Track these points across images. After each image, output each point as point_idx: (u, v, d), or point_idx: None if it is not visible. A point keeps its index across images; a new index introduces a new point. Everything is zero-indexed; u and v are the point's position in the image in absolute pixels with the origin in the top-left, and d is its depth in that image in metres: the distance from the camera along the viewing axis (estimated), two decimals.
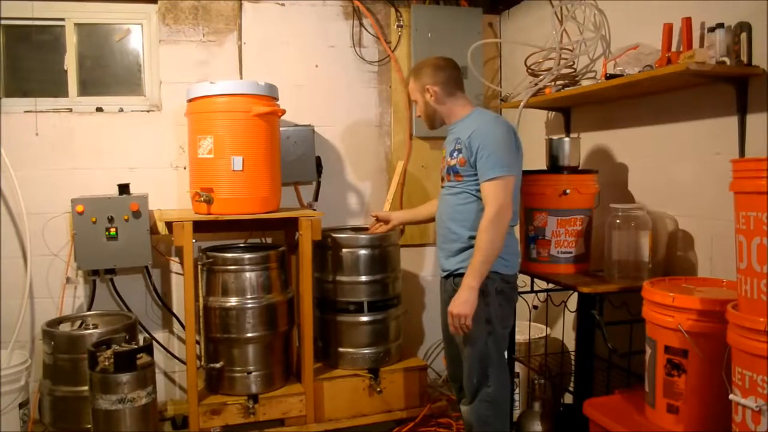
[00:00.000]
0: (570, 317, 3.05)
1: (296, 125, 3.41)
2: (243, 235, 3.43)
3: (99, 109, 3.30)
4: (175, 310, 3.36)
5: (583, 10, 2.76)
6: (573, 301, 2.76)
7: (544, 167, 2.81)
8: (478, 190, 2.29)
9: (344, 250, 3.14)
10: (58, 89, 3.29)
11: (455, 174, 2.36)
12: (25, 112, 3.17)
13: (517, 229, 2.47)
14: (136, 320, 3.03)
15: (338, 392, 3.07)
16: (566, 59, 2.77)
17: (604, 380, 2.60)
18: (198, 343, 3.00)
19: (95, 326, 2.96)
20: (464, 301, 2.19)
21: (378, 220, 2.90)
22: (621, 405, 2.22)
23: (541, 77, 2.81)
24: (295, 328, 3.20)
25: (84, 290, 3.26)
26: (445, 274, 2.43)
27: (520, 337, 2.99)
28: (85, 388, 2.53)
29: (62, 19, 3.28)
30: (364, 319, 3.13)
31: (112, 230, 2.96)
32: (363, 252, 3.13)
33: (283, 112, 2.97)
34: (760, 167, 1.59)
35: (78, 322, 3.02)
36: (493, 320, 2.29)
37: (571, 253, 2.65)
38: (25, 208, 3.05)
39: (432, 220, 2.81)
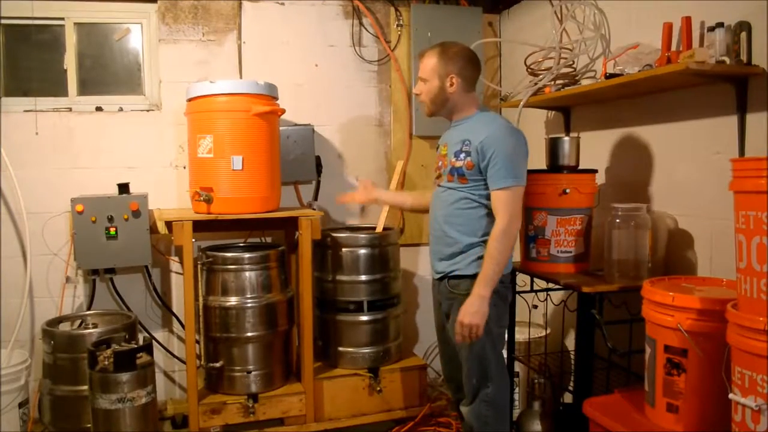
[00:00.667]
0: (570, 316, 3.04)
1: (296, 124, 3.41)
2: (243, 235, 3.43)
3: (99, 109, 3.30)
4: (174, 310, 3.36)
5: (582, 9, 2.76)
6: (573, 301, 2.76)
7: (544, 167, 2.81)
8: (482, 196, 2.27)
9: (344, 249, 3.14)
10: (58, 89, 3.29)
11: (459, 176, 2.30)
12: (25, 111, 3.17)
13: None
14: (136, 320, 3.02)
15: (338, 391, 3.07)
16: (566, 59, 2.77)
17: (604, 380, 2.60)
18: (198, 342, 3.00)
19: (95, 326, 2.96)
20: (476, 311, 2.17)
21: (364, 188, 2.77)
22: (621, 404, 2.22)
23: (541, 76, 2.81)
24: (295, 328, 3.20)
25: (84, 290, 3.26)
26: (439, 276, 2.41)
27: (520, 336, 2.99)
28: (85, 387, 2.53)
29: (62, 19, 3.28)
30: (364, 318, 3.13)
31: (112, 230, 2.96)
32: (363, 251, 3.13)
33: (283, 111, 2.97)
34: (760, 166, 1.59)
35: (78, 322, 3.03)
36: (489, 321, 2.27)
37: (570, 252, 2.65)
38: (25, 208, 3.05)
39: (418, 211, 2.80)
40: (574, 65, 2.79)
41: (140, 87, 3.42)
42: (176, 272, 3.37)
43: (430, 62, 2.33)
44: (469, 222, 2.30)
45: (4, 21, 3.19)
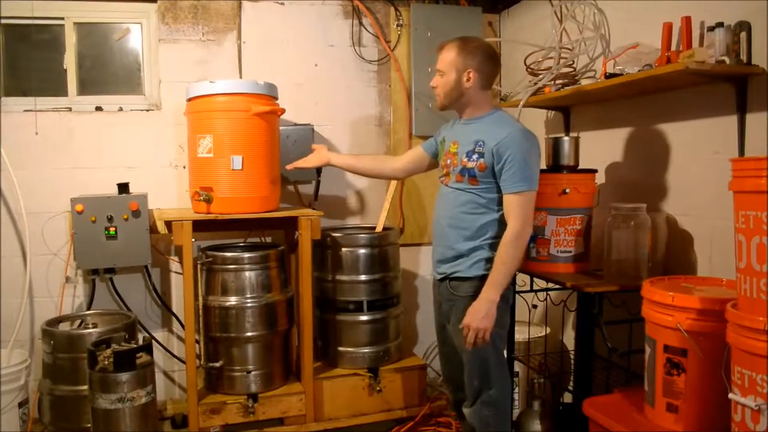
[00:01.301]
0: (570, 316, 3.05)
1: (296, 124, 3.40)
2: (242, 235, 3.43)
3: (98, 109, 3.30)
4: (174, 310, 3.36)
5: (582, 9, 2.76)
6: (573, 300, 2.76)
7: (544, 166, 2.80)
8: (491, 200, 2.25)
9: (344, 249, 3.14)
10: (58, 88, 3.29)
11: (471, 177, 2.27)
12: (25, 111, 3.17)
13: None
14: (136, 319, 3.02)
15: (338, 391, 3.07)
16: (566, 58, 2.77)
17: (604, 379, 2.60)
18: (197, 342, 3.00)
19: (95, 325, 2.96)
20: (485, 316, 2.16)
21: (318, 152, 2.78)
22: (620, 404, 2.22)
23: (541, 76, 2.81)
24: (295, 328, 3.20)
25: (83, 289, 3.25)
26: (440, 277, 2.40)
27: (520, 336, 2.98)
28: (85, 387, 2.53)
29: (62, 19, 3.27)
30: (364, 318, 3.13)
31: (112, 229, 2.96)
32: (362, 251, 3.13)
33: (283, 111, 2.97)
34: (760, 166, 1.59)
35: (77, 322, 3.02)
36: None
37: (570, 252, 2.65)
38: (25, 208, 3.05)
39: (373, 176, 2.84)
40: (574, 65, 2.79)
41: (140, 87, 3.41)
42: (176, 272, 3.37)
43: (449, 55, 2.29)
44: (473, 226, 2.28)
45: (4, 21, 3.19)
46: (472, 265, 2.28)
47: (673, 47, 2.33)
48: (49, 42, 3.30)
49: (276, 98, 3.01)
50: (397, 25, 3.62)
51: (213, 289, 2.95)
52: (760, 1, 2.07)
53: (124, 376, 2.39)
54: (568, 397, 2.88)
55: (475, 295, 2.24)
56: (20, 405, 2.87)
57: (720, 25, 2.12)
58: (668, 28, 2.32)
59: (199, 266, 2.94)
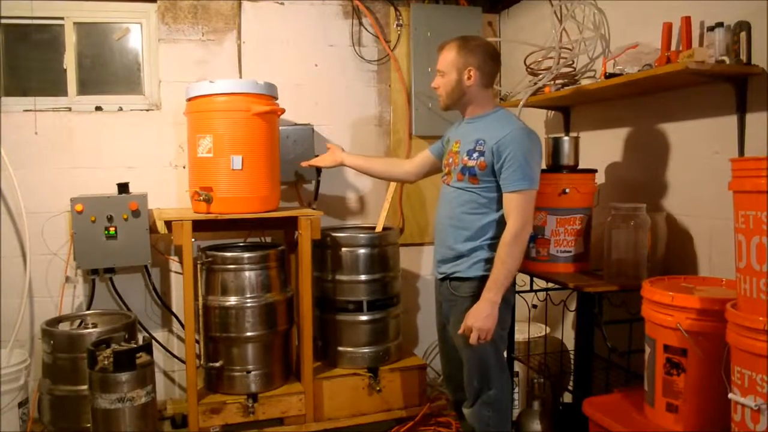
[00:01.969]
0: (569, 316, 3.05)
1: (296, 124, 3.40)
2: (242, 234, 3.43)
3: (98, 108, 3.30)
4: (174, 310, 3.36)
5: (582, 9, 2.76)
6: (572, 300, 2.76)
7: (544, 166, 2.80)
8: (492, 199, 2.25)
9: (344, 249, 3.14)
10: (58, 88, 3.29)
11: (471, 176, 2.26)
12: (25, 111, 3.17)
13: None
14: (136, 319, 3.03)
15: (338, 391, 3.07)
16: (565, 58, 2.77)
17: (604, 379, 2.60)
18: (197, 342, 3.00)
19: (94, 325, 2.96)
20: (487, 316, 2.16)
21: (331, 152, 2.85)
22: (620, 404, 2.22)
23: (541, 76, 2.81)
24: (295, 327, 3.20)
25: (83, 289, 3.25)
26: (441, 276, 2.40)
27: (520, 336, 2.99)
28: (85, 387, 2.53)
29: (61, 18, 3.27)
30: (364, 318, 3.13)
31: (112, 229, 2.97)
32: (362, 251, 3.13)
33: (283, 111, 2.97)
34: (760, 166, 1.59)
35: (77, 322, 3.02)
36: None
37: (570, 252, 2.65)
38: (25, 207, 3.05)
39: (385, 179, 2.83)
40: (574, 65, 2.79)
41: (140, 87, 3.42)
42: (176, 272, 3.37)
43: (449, 55, 2.29)
44: (474, 226, 2.27)
45: (4, 21, 3.19)
46: (472, 266, 2.28)
47: (673, 47, 2.33)
48: (49, 42, 3.30)
49: (276, 98, 3.01)
50: (397, 25, 3.62)
51: (213, 289, 2.95)
52: (760, 1, 2.07)
53: (124, 376, 2.39)
54: (568, 397, 2.88)
55: (475, 295, 2.24)
56: (20, 405, 2.87)
57: (720, 25, 2.12)
58: (668, 28, 2.32)
59: (199, 266, 2.94)
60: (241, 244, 3.27)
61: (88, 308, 3.18)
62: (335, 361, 3.17)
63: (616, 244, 2.44)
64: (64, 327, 2.96)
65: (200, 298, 2.95)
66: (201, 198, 2.81)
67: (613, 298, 2.45)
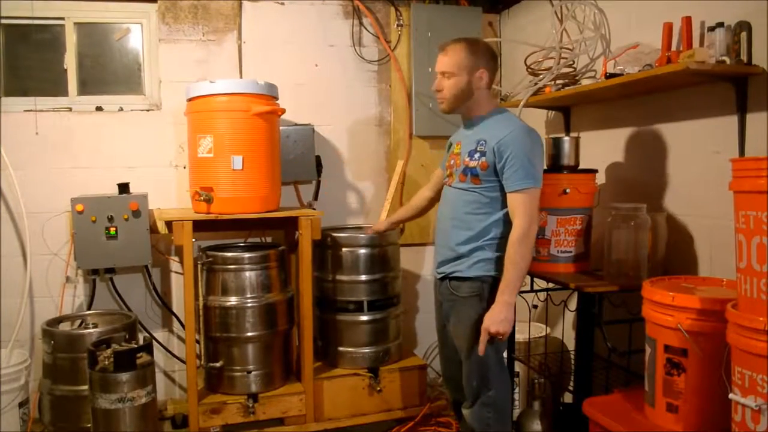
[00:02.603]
0: (570, 316, 3.05)
1: (296, 124, 3.41)
2: (243, 235, 3.43)
3: (99, 109, 3.30)
4: (174, 310, 3.36)
5: (582, 9, 2.76)
6: (573, 300, 2.76)
7: (544, 166, 2.80)
8: (494, 199, 2.25)
9: (344, 249, 3.14)
10: (58, 88, 3.29)
11: (473, 176, 2.26)
12: (25, 111, 3.17)
13: None
14: (136, 319, 3.02)
15: (338, 391, 3.07)
16: (566, 58, 2.77)
17: (604, 379, 2.60)
18: (198, 342, 3.00)
19: (95, 325, 2.96)
20: (503, 319, 2.14)
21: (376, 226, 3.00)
22: (620, 404, 2.22)
23: (541, 76, 2.81)
24: (295, 328, 3.20)
25: (84, 289, 3.25)
26: (441, 276, 2.40)
27: (520, 336, 2.99)
28: (85, 387, 2.53)
29: (62, 18, 3.27)
30: (364, 318, 3.13)
31: (112, 229, 2.96)
32: (363, 251, 3.13)
33: (283, 111, 2.97)
34: (760, 166, 1.59)
35: (78, 322, 3.03)
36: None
37: (570, 252, 2.65)
38: (25, 208, 3.05)
39: (420, 215, 2.82)
40: (574, 65, 2.79)
41: (140, 87, 3.42)
42: (176, 272, 3.37)
43: (458, 56, 2.27)
44: (477, 227, 2.27)
45: (4, 21, 3.19)
46: (472, 266, 2.28)
47: (674, 47, 2.33)
48: (49, 42, 3.30)
49: (276, 98, 3.01)
50: (398, 25, 3.62)
51: (213, 289, 2.95)
52: (760, 1, 2.07)
53: (124, 376, 2.39)
54: (568, 397, 2.88)
55: (474, 295, 2.25)
56: (20, 405, 2.88)
57: (720, 25, 2.12)
58: (668, 28, 2.32)
59: (199, 266, 2.94)
60: (242, 244, 3.27)
61: (89, 308, 3.18)
62: (335, 361, 3.17)
63: (617, 244, 2.45)
64: (64, 327, 2.97)
65: (201, 298, 2.95)
66: (201, 198, 2.81)
67: (614, 298, 2.45)
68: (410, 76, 3.62)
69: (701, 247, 2.39)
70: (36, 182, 3.15)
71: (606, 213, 2.55)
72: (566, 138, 2.76)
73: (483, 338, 2.17)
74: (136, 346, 2.50)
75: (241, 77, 3.41)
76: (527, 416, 2.79)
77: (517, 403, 3.03)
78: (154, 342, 3.12)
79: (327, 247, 3.16)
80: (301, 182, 3.52)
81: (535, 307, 3.07)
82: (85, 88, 3.33)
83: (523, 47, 3.11)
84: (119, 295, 3.23)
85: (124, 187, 3.06)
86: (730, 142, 2.21)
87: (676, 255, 2.48)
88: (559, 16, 2.95)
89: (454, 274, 2.32)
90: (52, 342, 2.79)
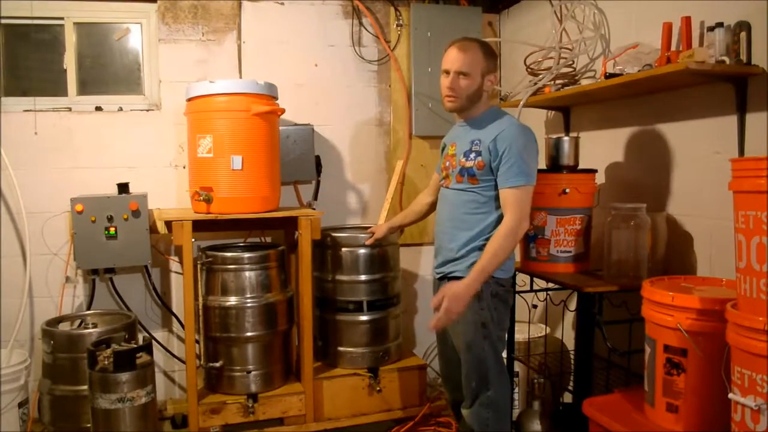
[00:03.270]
0: (569, 316, 3.05)
1: (296, 124, 3.41)
2: (242, 235, 3.43)
3: (98, 108, 3.30)
4: (174, 310, 3.36)
5: (582, 9, 2.76)
6: (572, 300, 2.76)
7: (544, 166, 2.81)
8: (492, 197, 2.25)
9: (344, 249, 3.14)
10: (58, 88, 3.29)
11: (470, 177, 2.27)
12: (24, 111, 3.17)
13: None
14: (136, 319, 3.02)
15: (338, 391, 3.07)
16: (566, 58, 2.77)
17: (604, 379, 2.60)
18: (197, 342, 3.00)
19: (95, 325, 2.96)
20: (459, 298, 2.12)
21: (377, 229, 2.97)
22: (620, 404, 2.22)
23: (541, 76, 2.81)
24: (295, 328, 3.20)
25: (83, 289, 3.25)
26: (440, 276, 2.41)
27: (520, 336, 2.99)
28: (85, 387, 2.53)
29: (61, 18, 3.27)
30: (364, 318, 3.13)
31: (112, 229, 2.97)
32: (362, 251, 3.13)
33: (283, 111, 2.97)
34: (760, 166, 1.59)
35: (77, 322, 3.02)
36: (488, 324, 2.27)
37: (570, 252, 2.65)
38: (25, 208, 3.05)
39: (421, 218, 2.80)
40: (574, 65, 2.79)
41: (140, 87, 3.42)
42: (176, 272, 3.37)
43: (476, 57, 2.25)
44: (477, 226, 2.27)
45: (3, 21, 3.19)
46: (470, 266, 2.27)
47: (673, 47, 2.33)
48: (49, 42, 3.30)
49: (276, 98, 3.01)
50: (397, 25, 3.62)
51: (213, 289, 2.95)
52: (760, 1, 2.07)
53: (124, 376, 2.39)
54: (568, 397, 2.88)
55: (474, 296, 2.24)
56: (20, 405, 2.88)
57: (720, 25, 2.12)
58: (668, 28, 2.32)
59: (199, 266, 2.94)
60: (241, 244, 3.27)
61: (88, 308, 3.18)
62: (335, 361, 3.17)
63: (617, 244, 2.45)
64: (64, 327, 2.96)
65: (200, 298, 2.95)
66: (201, 198, 2.81)
67: (613, 298, 2.45)
68: (410, 76, 3.62)
69: (701, 247, 2.39)
70: (36, 182, 3.15)
71: (606, 213, 2.55)
72: (566, 138, 2.76)
73: (434, 302, 2.15)
74: (135, 346, 2.51)
75: (240, 77, 3.41)
76: (527, 416, 2.79)
77: (516, 403, 3.03)
78: (154, 342, 3.13)
79: (327, 247, 3.16)
80: (301, 182, 3.52)
81: (535, 307, 3.07)
82: (84, 88, 3.34)
83: (522, 47, 3.11)
84: (119, 295, 3.23)
85: (123, 187, 3.06)
86: (729, 142, 2.21)
87: (676, 255, 2.48)
88: (559, 16, 2.95)
89: (453, 274, 2.32)
90: (52, 342, 2.79)
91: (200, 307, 2.95)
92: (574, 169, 2.74)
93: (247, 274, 2.94)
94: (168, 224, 2.83)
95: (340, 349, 3.16)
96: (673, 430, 1.98)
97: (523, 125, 2.29)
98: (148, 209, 3.05)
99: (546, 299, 2.98)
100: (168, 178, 3.36)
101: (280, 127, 3.12)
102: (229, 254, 2.98)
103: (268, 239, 3.51)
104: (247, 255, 2.96)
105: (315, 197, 3.50)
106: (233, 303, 2.92)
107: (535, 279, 2.78)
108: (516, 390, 3.01)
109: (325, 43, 3.55)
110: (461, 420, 2.44)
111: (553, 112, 3.29)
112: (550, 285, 2.74)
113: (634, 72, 2.32)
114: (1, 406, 2.77)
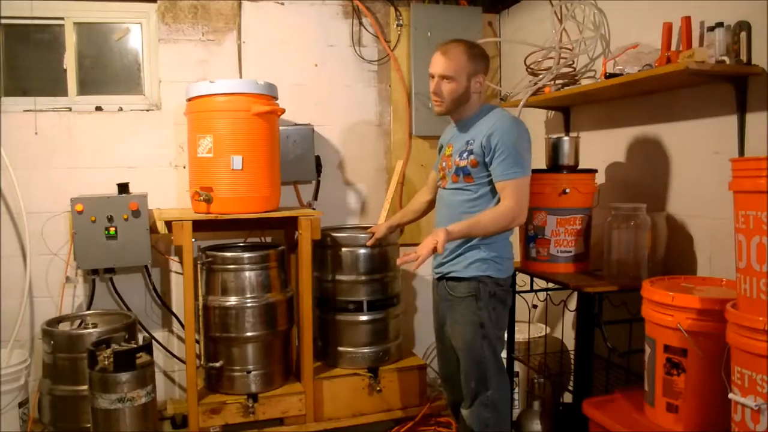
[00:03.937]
0: (569, 316, 3.05)
1: (296, 124, 3.41)
2: (242, 235, 3.43)
3: (98, 108, 3.30)
4: (174, 310, 3.36)
5: (582, 9, 2.76)
6: (572, 300, 2.76)
7: (544, 166, 2.81)
8: (488, 194, 2.26)
9: (344, 249, 3.14)
10: (58, 88, 3.29)
11: (465, 176, 2.29)
12: (25, 111, 3.17)
13: (515, 230, 2.46)
14: (136, 319, 3.02)
15: (338, 391, 3.07)
16: (566, 58, 2.77)
17: (604, 379, 2.60)
18: (197, 342, 3.00)
19: (95, 325, 2.96)
20: (437, 235, 2.07)
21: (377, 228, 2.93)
22: (620, 404, 2.22)
23: (541, 76, 2.81)
24: (295, 327, 3.20)
25: (83, 289, 3.25)
26: (438, 276, 2.41)
27: (520, 336, 2.99)
28: (85, 387, 2.53)
29: (61, 18, 3.27)
30: (364, 318, 3.13)
31: (112, 229, 2.96)
32: (362, 251, 3.13)
33: (283, 111, 2.97)
34: (760, 166, 1.59)
35: (77, 322, 3.02)
36: (486, 324, 2.27)
37: (570, 252, 2.65)
38: (25, 208, 3.05)
39: (419, 217, 2.79)
40: (574, 65, 2.79)
41: (140, 87, 3.42)
42: (176, 272, 3.37)
43: (459, 60, 2.25)
44: None
45: (3, 21, 3.19)
46: (468, 266, 2.28)
47: (673, 47, 2.33)
48: (49, 42, 3.30)
49: (276, 98, 3.01)
50: (397, 25, 3.62)
51: (213, 289, 2.95)
52: (760, 1, 2.07)
53: (124, 376, 2.39)
54: (568, 397, 2.88)
55: (471, 296, 2.25)
56: (20, 405, 2.88)
57: (720, 25, 2.12)
58: (668, 28, 2.32)
59: (199, 266, 2.94)
60: (241, 244, 3.27)
61: (88, 308, 3.18)
62: (335, 361, 3.17)
63: (617, 245, 2.45)
64: (64, 327, 2.96)
65: (200, 298, 2.95)
66: (201, 198, 2.81)
67: (613, 298, 2.45)
68: (410, 76, 3.62)
69: (701, 247, 2.39)
70: (36, 182, 3.15)
71: (606, 213, 2.55)
72: (566, 138, 2.76)
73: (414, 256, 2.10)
74: (135, 346, 2.50)
75: (240, 77, 3.41)
76: (527, 416, 2.79)
77: (516, 403, 3.03)
78: (154, 342, 3.13)
79: (327, 247, 3.16)
80: (301, 182, 3.52)
81: (535, 306, 3.07)
82: (84, 88, 3.33)
83: (522, 47, 3.11)
84: (119, 295, 3.23)
85: (123, 187, 3.06)
86: (729, 142, 2.21)
87: (675, 255, 2.48)
88: (559, 16, 2.95)
89: (451, 274, 2.32)
90: (52, 342, 2.79)
91: (200, 307, 2.94)
92: (574, 169, 2.74)
93: (247, 274, 2.94)
94: (168, 224, 2.83)
95: (340, 349, 3.16)
96: (673, 430, 1.98)
97: (515, 117, 2.31)
98: (148, 209, 3.04)
99: (546, 299, 2.98)
100: (168, 178, 3.36)
101: (280, 127, 3.12)
102: (229, 254, 2.98)
103: (268, 239, 3.51)
104: (247, 255, 2.96)
105: (315, 197, 3.50)
106: (233, 303, 2.92)
107: (535, 279, 2.78)
108: (516, 390, 3.01)
109: (325, 43, 3.55)
110: (461, 421, 2.44)
111: (553, 112, 3.29)
112: (550, 285, 2.74)
113: (634, 72, 2.32)
114: (1, 406, 2.77)
